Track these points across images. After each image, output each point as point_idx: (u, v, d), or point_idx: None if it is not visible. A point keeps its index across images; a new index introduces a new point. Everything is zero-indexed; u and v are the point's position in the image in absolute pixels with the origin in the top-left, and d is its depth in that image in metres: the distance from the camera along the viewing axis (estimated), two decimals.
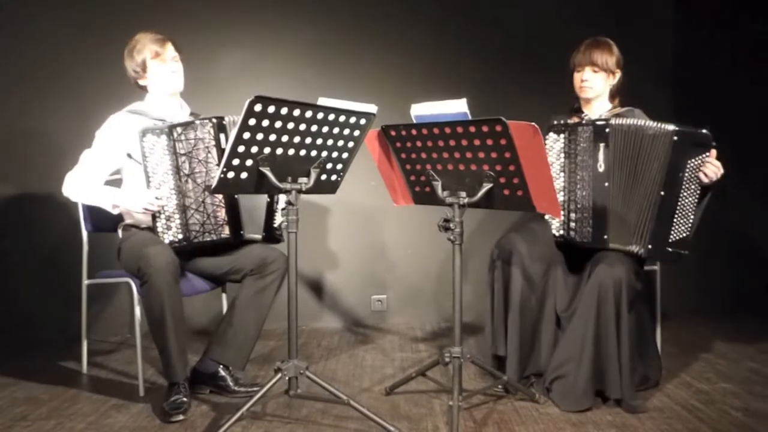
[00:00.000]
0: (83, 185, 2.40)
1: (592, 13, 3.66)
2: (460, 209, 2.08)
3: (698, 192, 2.28)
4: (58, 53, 3.37)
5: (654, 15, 3.74)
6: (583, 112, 2.59)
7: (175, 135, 2.33)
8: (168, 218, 2.37)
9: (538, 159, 1.94)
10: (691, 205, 2.29)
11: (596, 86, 2.50)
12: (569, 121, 2.46)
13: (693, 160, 2.25)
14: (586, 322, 2.28)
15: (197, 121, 2.36)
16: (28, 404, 2.41)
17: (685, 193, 2.27)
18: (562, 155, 2.42)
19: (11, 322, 3.33)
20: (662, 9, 3.75)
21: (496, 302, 2.48)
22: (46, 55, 3.36)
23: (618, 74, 2.54)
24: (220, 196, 2.39)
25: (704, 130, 2.25)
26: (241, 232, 2.43)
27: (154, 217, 2.37)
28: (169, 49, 2.47)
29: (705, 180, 2.25)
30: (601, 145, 2.31)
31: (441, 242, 3.54)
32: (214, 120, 2.35)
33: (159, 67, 2.46)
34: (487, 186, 2.03)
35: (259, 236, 2.49)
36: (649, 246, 2.32)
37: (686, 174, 2.26)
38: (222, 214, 2.39)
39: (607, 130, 2.31)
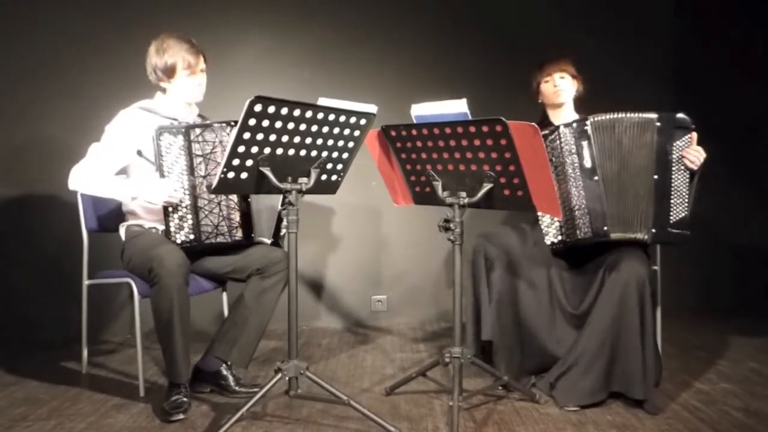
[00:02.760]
0: (95, 177, 2.36)
1: (592, 13, 3.67)
2: (460, 209, 2.09)
3: (687, 172, 2.39)
4: (59, 54, 3.37)
5: (654, 15, 3.74)
6: (552, 124, 2.62)
7: (192, 136, 2.33)
8: (181, 218, 2.37)
9: (538, 159, 1.94)
10: (684, 185, 2.40)
11: (567, 89, 2.64)
12: (545, 132, 2.48)
13: (678, 142, 2.38)
14: (608, 320, 2.28)
15: (216, 124, 2.36)
16: (28, 404, 2.41)
17: (676, 174, 2.39)
18: None
19: (12, 322, 3.33)
20: (662, 9, 3.75)
21: (481, 293, 2.49)
22: (46, 56, 3.36)
23: (579, 82, 2.67)
24: (236, 199, 2.39)
25: (683, 115, 2.39)
26: (252, 234, 2.44)
27: (167, 214, 2.36)
28: (201, 62, 2.46)
29: (690, 166, 2.37)
30: (584, 143, 2.39)
31: (441, 242, 3.58)
32: (233, 123, 2.34)
33: (188, 80, 2.43)
34: (487, 186, 2.03)
35: (268, 240, 2.51)
36: (653, 230, 2.38)
37: (674, 156, 2.38)
38: (237, 216, 2.40)
39: (587, 127, 2.39)
